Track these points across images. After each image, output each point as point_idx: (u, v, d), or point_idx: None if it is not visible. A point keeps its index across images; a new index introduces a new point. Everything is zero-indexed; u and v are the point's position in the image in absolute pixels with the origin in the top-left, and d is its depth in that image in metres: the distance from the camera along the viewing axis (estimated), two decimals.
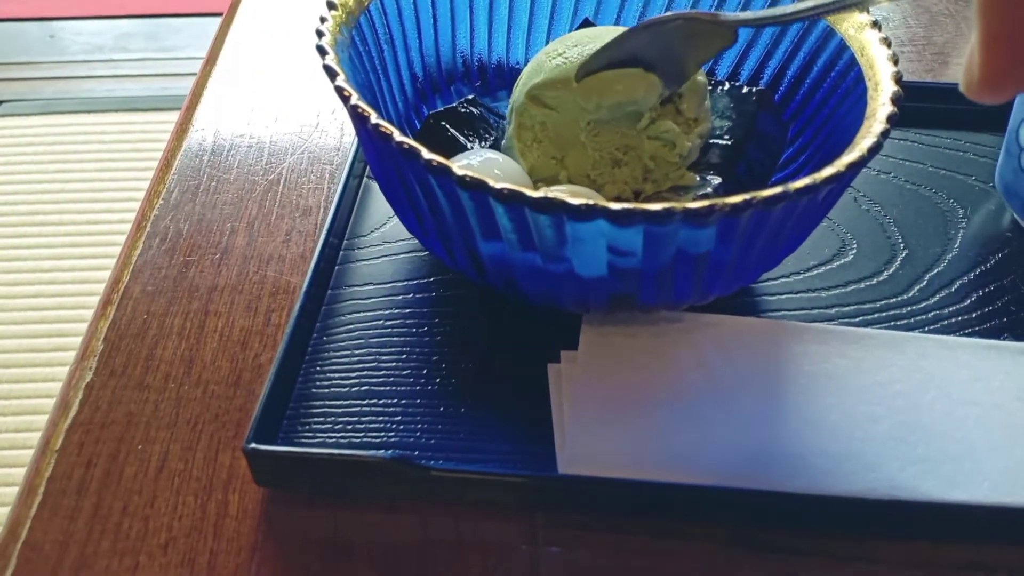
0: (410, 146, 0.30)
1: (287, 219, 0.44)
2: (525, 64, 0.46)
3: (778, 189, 0.29)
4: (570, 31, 0.46)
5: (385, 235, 0.42)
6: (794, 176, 0.40)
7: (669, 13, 0.36)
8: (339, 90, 0.33)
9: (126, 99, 1.52)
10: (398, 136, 0.31)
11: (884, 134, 0.32)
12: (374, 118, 0.31)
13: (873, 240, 0.43)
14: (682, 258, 0.31)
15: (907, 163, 0.47)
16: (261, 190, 0.45)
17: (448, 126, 0.40)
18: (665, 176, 0.38)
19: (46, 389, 1.09)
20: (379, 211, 0.43)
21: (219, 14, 0.59)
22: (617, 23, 0.46)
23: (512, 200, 0.29)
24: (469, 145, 0.40)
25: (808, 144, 0.40)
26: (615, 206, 0.28)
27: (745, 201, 0.29)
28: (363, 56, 0.38)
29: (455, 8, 0.44)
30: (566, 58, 0.37)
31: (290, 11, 0.60)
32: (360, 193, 0.44)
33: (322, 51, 0.34)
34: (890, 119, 0.33)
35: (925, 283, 0.41)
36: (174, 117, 0.49)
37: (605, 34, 0.38)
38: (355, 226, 0.43)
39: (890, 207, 0.44)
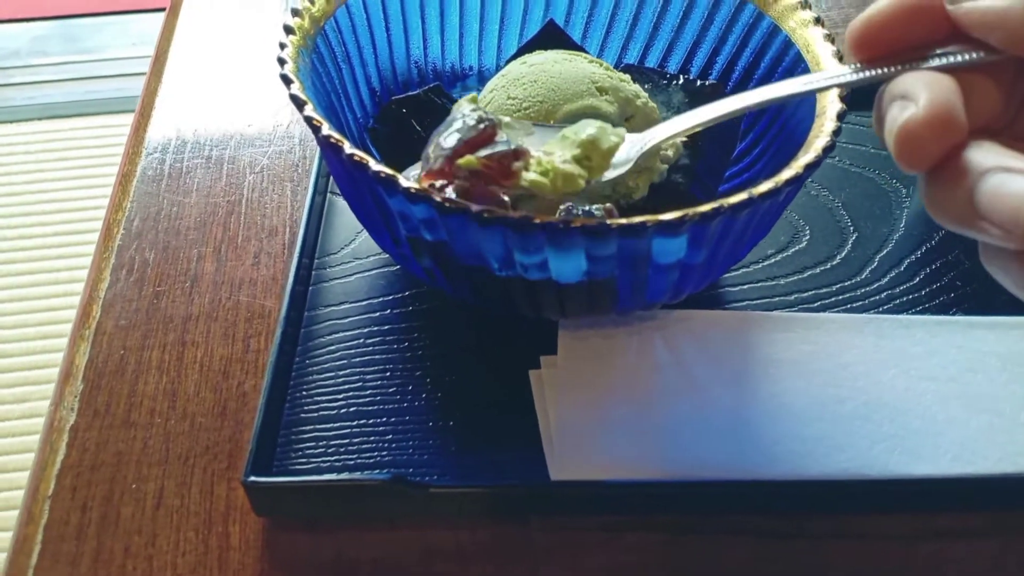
0: (387, 175, 0.31)
1: (254, 241, 0.44)
2: (479, 68, 0.47)
3: (743, 196, 0.31)
4: (521, 35, 0.46)
5: (356, 251, 0.42)
6: (750, 169, 0.41)
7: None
8: (308, 120, 0.33)
9: (48, 106, 1.47)
10: (374, 165, 0.31)
11: (836, 132, 0.34)
12: (348, 147, 0.32)
13: (824, 225, 0.45)
14: (656, 264, 0.32)
15: (851, 146, 0.49)
16: (224, 212, 0.45)
17: (408, 114, 0.41)
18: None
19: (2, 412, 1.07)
20: (347, 226, 0.44)
21: (142, 11, 0.57)
22: (566, 23, 0.46)
23: (494, 223, 0.30)
24: (425, 135, 0.40)
25: (761, 137, 0.42)
26: (591, 223, 0.29)
27: (714, 209, 0.30)
28: (323, 78, 0.38)
29: (407, 19, 0.44)
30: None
31: (231, 19, 0.59)
32: (326, 209, 0.44)
33: (287, 80, 0.34)
34: (840, 116, 0.35)
35: (876, 264, 0.43)
36: (101, 122, 0.48)
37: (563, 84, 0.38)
38: (324, 244, 0.43)
39: (838, 191, 0.46)
